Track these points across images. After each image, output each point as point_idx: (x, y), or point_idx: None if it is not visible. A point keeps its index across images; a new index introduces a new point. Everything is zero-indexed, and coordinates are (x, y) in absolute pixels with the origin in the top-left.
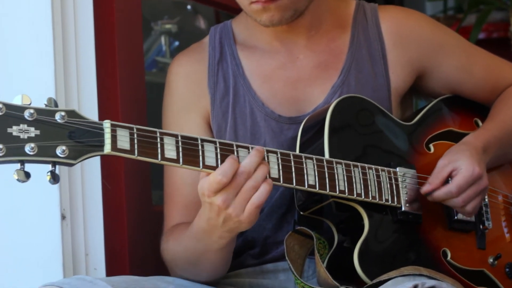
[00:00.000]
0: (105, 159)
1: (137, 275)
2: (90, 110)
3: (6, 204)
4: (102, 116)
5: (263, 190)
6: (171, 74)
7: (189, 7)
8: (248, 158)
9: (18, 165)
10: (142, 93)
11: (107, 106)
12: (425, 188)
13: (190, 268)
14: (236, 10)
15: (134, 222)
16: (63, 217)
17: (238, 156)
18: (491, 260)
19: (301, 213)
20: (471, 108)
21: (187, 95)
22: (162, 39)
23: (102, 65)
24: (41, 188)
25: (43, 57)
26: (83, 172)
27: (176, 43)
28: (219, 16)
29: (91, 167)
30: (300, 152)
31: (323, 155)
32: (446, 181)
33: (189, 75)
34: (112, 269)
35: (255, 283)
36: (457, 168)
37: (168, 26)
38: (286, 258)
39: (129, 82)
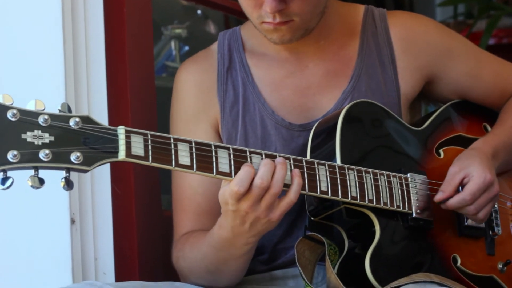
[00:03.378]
0: (115, 163)
1: (146, 280)
2: (100, 115)
3: (15, 208)
4: (112, 120)
5: (296, 187)
6: (179, 82)
7: (199, 12)
8: (262, 168)
9: (32, 171)
10: (152, 97)
11: (117, 110)
12: (438, 196)
13: (208, 276)
14: (245, 16)
15: (144, 226)
16: (72, 222)
17: (251, 163)
18: (500, 266)
19: (312, 218)
20: (479, 113)
21: (196, 103)
22: (172, 44)
23: (112, 69)
24: (51, 192)
25: (54, 62)
26: (93, 176)
27: (186, 47)
28: (229, 21)
29: (101, 171)
30: (311, 155)
31: (334, 159)
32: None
33: (198, 83)
34: (121, 273)
35: None
36: (469, 174)
37: (178, 30)
38: (297, 263)
39: (139, 86)
